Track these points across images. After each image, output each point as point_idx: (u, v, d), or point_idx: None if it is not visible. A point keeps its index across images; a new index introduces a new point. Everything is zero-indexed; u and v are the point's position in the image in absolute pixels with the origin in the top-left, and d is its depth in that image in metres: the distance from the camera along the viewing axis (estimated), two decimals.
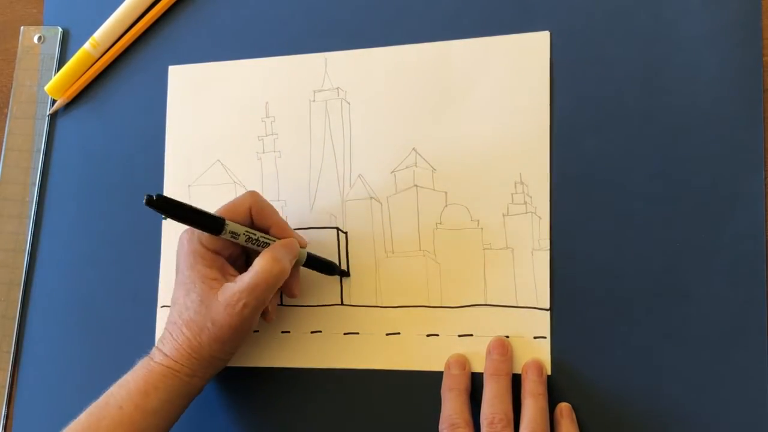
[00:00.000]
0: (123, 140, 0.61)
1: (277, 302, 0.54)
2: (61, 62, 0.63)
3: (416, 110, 0.54)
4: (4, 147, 0.63)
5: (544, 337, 0.50)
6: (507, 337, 0.51)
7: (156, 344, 0.50)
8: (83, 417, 0.47)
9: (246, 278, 0.47)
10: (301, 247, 0.51)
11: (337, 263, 0.54)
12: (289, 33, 0.58)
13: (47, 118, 0.63)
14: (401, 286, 0.53)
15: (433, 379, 0.51)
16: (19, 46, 0.64)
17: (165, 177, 0.59)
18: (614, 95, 0.51)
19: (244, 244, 0.49)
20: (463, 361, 0.50)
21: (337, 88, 0.56)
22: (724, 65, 0.49)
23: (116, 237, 0.59)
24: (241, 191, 0.57)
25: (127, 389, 0.48)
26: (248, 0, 0.59)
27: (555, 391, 0.49)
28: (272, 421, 0.54)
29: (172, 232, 0.58)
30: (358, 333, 0.53)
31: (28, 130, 0.63)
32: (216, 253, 0.49)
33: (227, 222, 0.47)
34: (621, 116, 0.50)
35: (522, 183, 0.51)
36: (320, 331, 0.54)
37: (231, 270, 0.50)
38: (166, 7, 0.60)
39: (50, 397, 0.59)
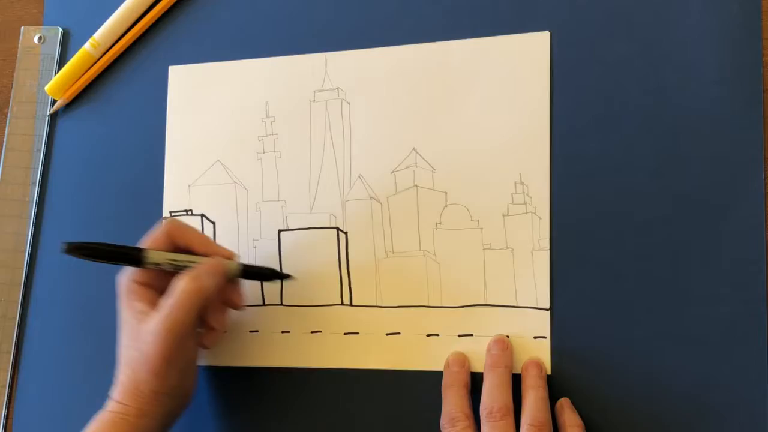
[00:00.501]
0: (123, 140, 0.61)
1: (222, 318, 0.52)
2: (62, 62, 0.63)
3: (416, 110, 0.54)
4: (4, 147, 0.63)
5: (544, 337, 0.50)
6: (507, 337, 0.51)
7: (109, 394, 0.50)
8: None
9: (165, 303, 0.47)
10: (229, 258, 0.50)
11: (338, 260, 0.53)
12: (289, 33, 0.58)
13: (47, 118, 0.63)
14: (401, 286, 0.53)
15: (433, 378, 0.51)
16: (19, 46, 0.64)
17: (165, 177, 0.59)
18: (614, 95, 0.51)
19: (172, 270, 0.49)
20: (462, 359, 0.51)
21: (337, 88, 0.56)
22: (724, 65, 0.49)
23: (116, 237, 0.59)
24: (241, 191, 0.57)
25: None
26: (248, 0, 0.59)
27: (555, 390, 0.49)
28: (272, 421, 0.54)
29: None
30: (358, 333, 0.53)
31: (28, 130, 0.63)
32: (148, 286, 0.49)
33: (146, 251, 0.48)
34: (621, 116, 0.50)
35: (522, 183, 0.51)
36: (320, 331, 0.54)
37: (162, 301, 0.49)
38: (166, 7, 0.60)
39: (50, 397, 0.59)
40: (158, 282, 0.50)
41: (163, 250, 0.49)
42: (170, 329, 0.46)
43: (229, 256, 0.51)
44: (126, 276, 0.50)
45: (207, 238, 0.51)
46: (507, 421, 0.46)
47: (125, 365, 0.48)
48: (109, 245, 0.47)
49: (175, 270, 0.49)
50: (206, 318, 0.51)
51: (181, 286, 0.47)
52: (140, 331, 0.47)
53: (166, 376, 0.48)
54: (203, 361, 0.56)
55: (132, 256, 0.48)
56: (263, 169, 0.57)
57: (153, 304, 0.48)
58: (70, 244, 0.44)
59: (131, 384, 0.48)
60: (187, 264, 0.49)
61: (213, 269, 0.49)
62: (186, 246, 0.50)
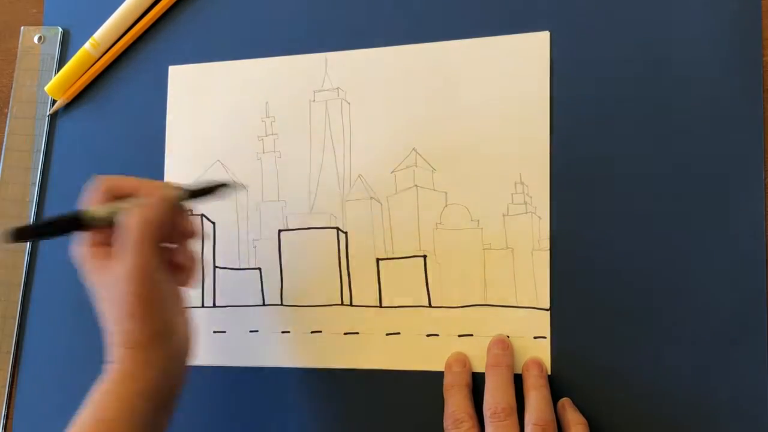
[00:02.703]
0: (123, 140, 0.60)
1: (192, 260, 0.50)
2: (61, 62, 0.63)
3: (416, 110, 0.54)
4: (4, 147, 0.63)
5: (544, 337, 0.50)
6: (507, 337, 0.51)
7: None
8: None
9: (119, 246, 0.44)
10: (172, 189, 0.47)
11: (338, 260, 0.53)
12: (289, 33, 0.58)
13: (47, 118, 0.63)
14: (401, 286, 0.53)
15: (433, 379, 0.51)
16: (19, 46, 0.64)
17: (165, 177, 0.59)
18: (614, 95, 0.51)
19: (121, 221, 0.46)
20: (463, 359, 0.51)
21: (337, 88, 0.56)
22: (724, 65, 0.49)
23: None
24: (241, 191, 0.57)
25: (85, 406, 0.45)
26: (248, 0, 0.59)
27: (555, 390, 0.49)
28: (272, 421, 0.54)
29: None
30: (358, 333, 0.53)
31: (28, 130, 0.63)
32: (104, 245, 0.46)
33: (87, 210, 0.45)
34: (621, 116, 0.50)
35: (522, 183, 0.51)
36: (320, 331, 0.54)
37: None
38: (166, 7, 0.60)
39: (50, 397, 0.59)
40: (114, 240, 0.46)
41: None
42: (135, 266, 0.44)
43: (167, 185, 0.48)
44: (80, 246, 0.47)
45: (144, 179, 0.48)
46: (511, 421, 0.46)
47: (110, 324, 0.46)
48: (48, 219, 0.45)
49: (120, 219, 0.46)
50: (172, 258, 0.49)
51: (127, 222, 0.44)
52: (110, 282, 0.45)
53: (149, 317, 0.45)
54: (202, 361, 0.56)
55: (75, 220, 0.45)
56: (263, 169, 0.57)
57: (109, 257, 0.46)
58: (13, 230, 0.42)
59: (119, 338, 0.45)
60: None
61: (154, 197, 0.46)
62: (128, 192, 0.47)
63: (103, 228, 0.46)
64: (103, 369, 0.47)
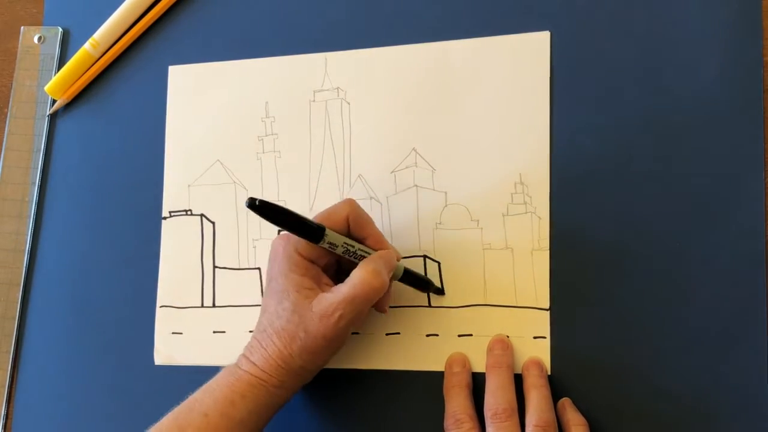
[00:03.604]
0: (123, 140, 0.60)
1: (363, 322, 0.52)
2: (61, 62, 0.63)
3: (416, 110, 0.54)
4: (4, 147, 0.63)
5: (544, 337, 0.50)
6: (507, 337, 0.51)
7: (243, 352, 0.48)
8: (165, 423, 0.46)
9: (344, 289, 0.45)
10: (397, 260, 0.49)
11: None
12: (289, 33, 0.58)
13: (47, 118, 0.63)
14: (402, 286, 0.53)
15: (433, 379, 0.51)
16: (19, 46, 0.64)
17: (165, 177, 0.59)
18: (614, 95, 0.51)
19: (341, 254, 0.47)
20: (463, 359, 0.51)
21: (337, 88, 0.56)
22: (724, 65, 0.49)
23: (116, 237, 0.59)
24: (240, 191, 0.57)
25: (212, 397, 0.46)
26: (248, 0, 0.59)
27: (555, 390, 0.49)
28: (272, 420, 0.54)
29: (172, 231, 0.58)
30: (358, 333, 0.53)
31: (28, 130, 0.63)
32: (311, 261, 0.48)
33: (327, 231, 0.46)
34: (621, 116, 0.50)
35: (522, 183, 0.51)
36: None
37: (326, 279, 0.48)
38: (166, 7, 0.60)
39: (50, 397, 0.59)
40: (320, 259, 0.48)
41: (337, 231, 0.47)
42: (344, 316, 0.45)
43: (399, 258, 0.50)
44: (289, 244, 0.48)
45: (380, 233, 0.49)
46: (512, 422, 0.46)
47: (276, 335, 0.47)
48: (294, 213, 0.45)
49: (344, 255, 0.47)
50: None
51: (365, 278, 0.45)
52: (305, 309, 0.46)
53: (322, 356, 0.47)
54: (202, 361, 0.56)
55: (312, 231, 0.45)
56: (263, 169, 0.57)
57: (317, 281, 0.47)
58: (259, 201, 0.43)
59: (280, 356, 0.46)
60: (360, 253, 0.47)
61: (391, 265, 0.48)
62: (359, 235, 0.48)
63: (323, 248, 0.47)
64: (239, 363, 0.48)
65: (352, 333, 0.53)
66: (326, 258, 0.49)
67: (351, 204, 0.48)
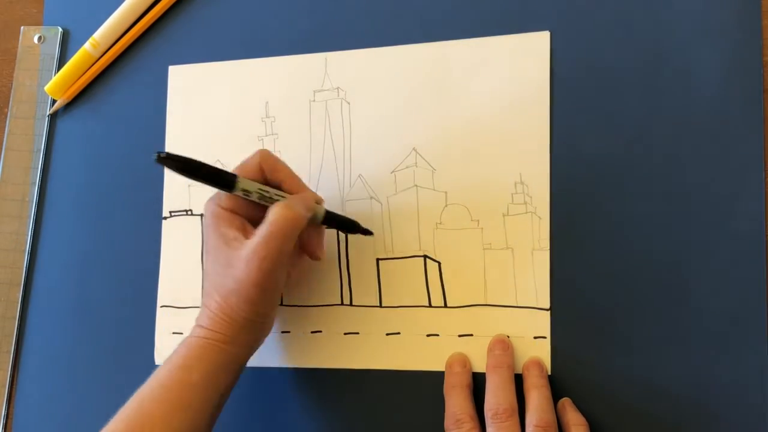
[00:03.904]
0: (123, 140, 0.61)
1: (299, 264, 0.52)
2: (61, 62, 0.63)
3: (416, 110, 0.54)
4: (4, 147, 0.63)
5: (544, 337, 0.50)
6: (507, 337, 0.51)
7: (194, 322, 0.49)
8: (129, 402, 0.47)
9: (261, 230, 0.46)
10: (316, 203, 0.50)
11: (338, 260, 0.53)
12: (289, 33, 0.58)
13: (47, 118, 0.63)
14: (401, 286, 0.53)
15: (434, 379, 0.51)
16: (19, 46, 0.64)
17: (165, 177, 0.59)
18: (614, 95, 0.51)
19: (258, 201, 0.48)
20: (463, 359, 0.51)
21: (337, 88, 0.56)
22: (724, 65, 0.49)
23: (116, 237, 0.59)
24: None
25: (168, 367, 0.47)
26: (248, 0, 0.59)
27: (555, 390, 0.49)
28: (272, 421, 0.54)
29: (172, 231, 0.58)
30: (358, 333, 0.53)
31: (28, 130, 0.63)
32: (234, 212, 0.49)
33: (239, 178, 0.47)
34: (621, 116, 0.50)
35: (522, 183, 0.51)
36: (320, 331, 0.54)
37: (251, 229, 0.48)
38: (166, 7, 0.60)
39: (50, 397, 0.59)
40: (244, 210, 0.49)
41: (253, 180, 0.48)
42: (266, 257, 0.45)
43: (319, 200, 0.51)
44: (213, 202, 0.49)
45: (297, 177, 0.50)
46: (513, 422, 0.46)
47: (215, 292, 0.47)
48: (203, 163, 0.46)
49: (261, 202, 0.48)
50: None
51: (278, 213, 0.46)
52: (234, 258, 0.46)
53: (259, 303, 0.47)
54: None
55: (224, 179, 0.46)
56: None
57: (243, 231, 0.48)
58: (166, 154, 0.43)
59: (222, 311, 0.47)
60: (276, 197, 0.48)
61: (306, 202, 0.48)
62: (276, 181, 0.49)
63: (239, 198, 0.48)
64: (191, 333, 0.48)
65: (352, 333, 0.53)
66: (250, 209, 0.49)
67: (263, 152, 0.49)
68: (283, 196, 0.49)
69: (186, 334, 0.57)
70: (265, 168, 0.49)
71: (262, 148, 0.50)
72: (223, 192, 0.48)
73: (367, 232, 0.53)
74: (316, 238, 0.51)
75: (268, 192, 0.48)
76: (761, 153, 0.48)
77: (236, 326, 0.47)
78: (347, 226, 0.52)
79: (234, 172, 0.47)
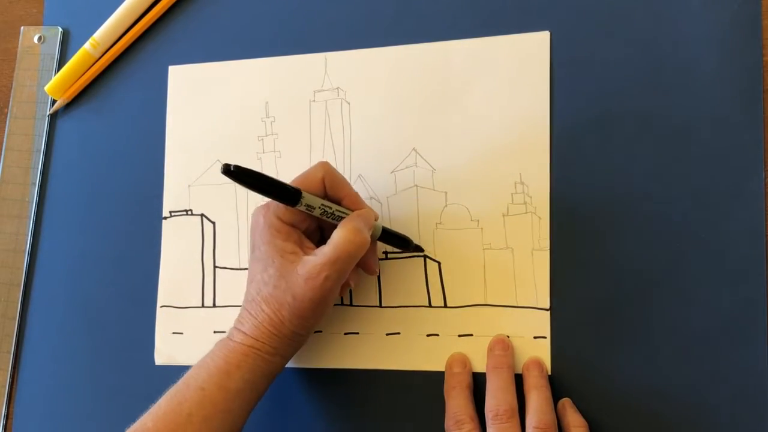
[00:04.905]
0: (123, 140, 0.61)
1: (356, 277, 0.52)
2: (61, 62, 0.63)
3: (416, 110, 0.54)
4: (4, 147, 0.63)
5: (544, 337, 0.50)
6: (507, 337, 0.51)
7: (234, 324, 0.49)
8: (163, 401, 0.46)
9: (326, 250, 0.46)
10: (375, 219, 0.50)
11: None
12: (289, 33, 0.58)
13: (47, 118, 0.63)
14: (401, 286, 0.53)
15: (434, 379, 0.51)
16: (19, 46, 0.64)
17: (165, 177, 0.59)
18: (614, 95, 0.51)
19: (320, 216, 0.48)
20: (464, 360, 0.51)
21: (337, 88, 0.56)
22: (724, 65, 0.49)
23: (116, 237, 0.59)
24: (241, 191, 0.57)
25: (207, 370, 0.47)
26: (248, 0, 0.59)
27: (555, 390, 0.49)
28: (271, 421, 0.54)
29: (172, 231, 0.58)
30: (358, 333, 0.53)
31: (28, 130, 0.63)
32: (292, 226, 0.48)
33: (303, 193, 0.46)
34: (621, 116, 0.50)
35: (522, 183, 0.51)
36: (320, 331, 0.54)
37: (308, 243, 0.48)
38: (166, 7, 0.60)
39: (50, 397, 0.59)
40: (301, 224, 0.49)
41: (313, 194, 0.47)
42: (329, 277, 0.45)
43: (377, 217, 0.50)
44: (269, 211, 0.48)
45: (356, 194, 0.49)
46: (513, 423, 0.46)
47: (264, 303, 0.47)
48: (270, 177, 0.45)
49: (323, 217, 0.48)
50: None
51: (344, 236, 0.46)
52: (290, 273, 0.46)
53: (311, 319, 0.47)
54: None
55: (289, 194, 0.46)
56: (263, 169, 0.57)
57: (300, 246, 0.48)
58: (234, 167, 0.43)
59: (270, 323, 0.47)
60: (338, 214, 0.48)
61: (369, 222, 0.48)
62: (336, 196, 0.49)
63: (298, 211, 0.47)
64: (230, 335, 0.48)
65: (352, 333, 0.54)
66: (307, 222, 0.49)
67: (325, 166, 0.49)
68: (345, 213, 0.48)
69: (186, 334, 0.57)
70: (327, 183, 0.48)
71: (323, 160, 0.50)
72: (281, 204, 0.47)
73: (418, 249, 0.52)
74: (371, 253, 0.50)
75: (330, 208, 0.48)
76: (761, 153, 0.48)
77: (283, 339, 0.47)
78: (400, 242, 0.52)
79: (297, 186, 0.47)
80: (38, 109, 0.63)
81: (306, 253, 0.47)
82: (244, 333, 0.47)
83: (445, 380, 0.50)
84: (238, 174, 0.44)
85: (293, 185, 0.47)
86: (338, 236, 0.46)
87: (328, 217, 0.48)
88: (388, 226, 0.52)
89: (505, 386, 0.48)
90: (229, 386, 0.46)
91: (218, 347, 0.48)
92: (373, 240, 0.50)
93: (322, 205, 0.47)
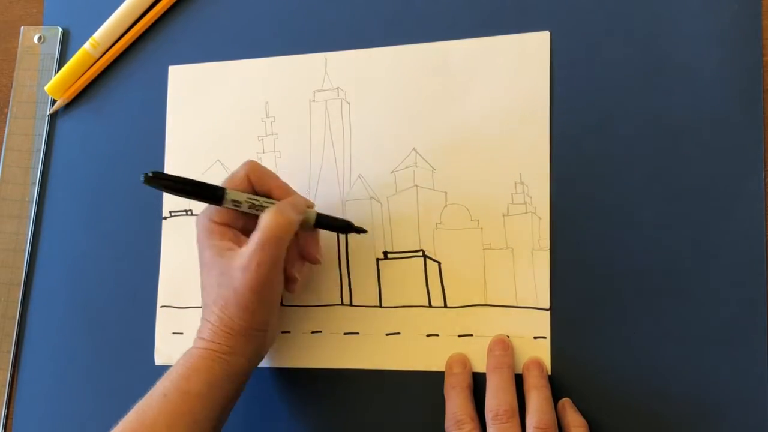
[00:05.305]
0: (123, 140, 0.61)
1: (302, 269, 0.52)
2: (61, 62, 0.63)
3: (416, 110, 0.54)
4: (4, 147, 0.63)
5: (544, 337, 0.50)
6: (507, 337, 0.51)
7: (196, 335, 0.49)
8: (131, 413, 0.47)
9: (254, 237, 0.47)
10: (308, 207, 0.50)
11: (338, 260, 0.53)
12: (289, 33, 0.58)
13: (47, 118, 0.63)
14: (401, 286, 0.53)
15: (434, 379, 0.51)
16: (19, 46, 0.64)
17: None
18: (614, 95, 0.51)
19: (248, 210, 0.48)
20: (464, 360, 0.51)
21: (337, 88, 0.56)
22: (724, 65, 0.49)
23: (116, 237, 0.59)
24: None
25: (169, 378, 0.47)
26: (248, 0, 0.59)
27: (555, 390, 0.49)
28: (271, 421, 0.54)
29: (172, 231, 0.58)
30: (358, 333, 0.53)
31: (28, 130, 0.63)
32: (227, 225, 0.49)
33: (227, 190, 0.47)
34: (621, 116, 0.50)
35: (522, 183, 0.51)
36: (320, 331, 0.54)
37: (245, 239, 0.49)
38: (166, 7, 0.60)
39: (50, 397, 0.59)
40: (236, 222, 0.49)
41: (241, 191, 0.49)
42: (261, 262, 0.46)
43: (310, 205, 0.51)
44: (204, 216, 0.49)
45: (286, 184, 0.51)
46: (513, 423, 0.46)
47: (213, 305, 0.48)
48: (190, 179, 0.47)
49: (252, 211, 0.48)
50: (285, 267, 0.50)
51: (269, 219, 0.46)
52: (229, 268, 0.47)
53: (257, 311, 0.47)
54: None
55: (212, 193, 0.47)
56: None
57: (237, 241, 0.48)
58: (152, 173, 0.44)
59: (221, 322, 0.47)
60: (266, 205, 0.48)
61: (296, 206, 0.49)
62: (265, 190, 0.50)
63: (230, 210, 0.48)
64: (193, 345, 0.48)
65: (352, 333, 0.54)
66: (242, 220, 0.50)
67: (250, 162, 0.50)
68: (273, 203, 0.49)
69: (186, 334, 0.57)
70: (253, 178, 0.49)
71: (250, 148, 0.51)
72: (213, 206, 0.49)
73: (360, 231, 0.53)
74: (312, 242, 0.51)
75: (257, 200, 0.48)
76: (761, 153, 0.48)
77: (237, 337, 0.48)
78: (341, 226, 0.52)
79: (222, 186, 0.48)
80: (38, 109, 0.63)
81: (242, 248, 0.48)
82: (202, 338, 0.48)
83: (445, 380, 0.50)
84: (157, 179, 0.45)
85: (218, 185, 0.48)
86: (262, 220, 0.47)
87: (258, 210, 0.48)
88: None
89: (505, 386, 0.48)
90: (189, 390, 0.46)
91: (181, 357, 0.49)
92: (309, 227, 0.50)
93: (249, 198, 0.48)
